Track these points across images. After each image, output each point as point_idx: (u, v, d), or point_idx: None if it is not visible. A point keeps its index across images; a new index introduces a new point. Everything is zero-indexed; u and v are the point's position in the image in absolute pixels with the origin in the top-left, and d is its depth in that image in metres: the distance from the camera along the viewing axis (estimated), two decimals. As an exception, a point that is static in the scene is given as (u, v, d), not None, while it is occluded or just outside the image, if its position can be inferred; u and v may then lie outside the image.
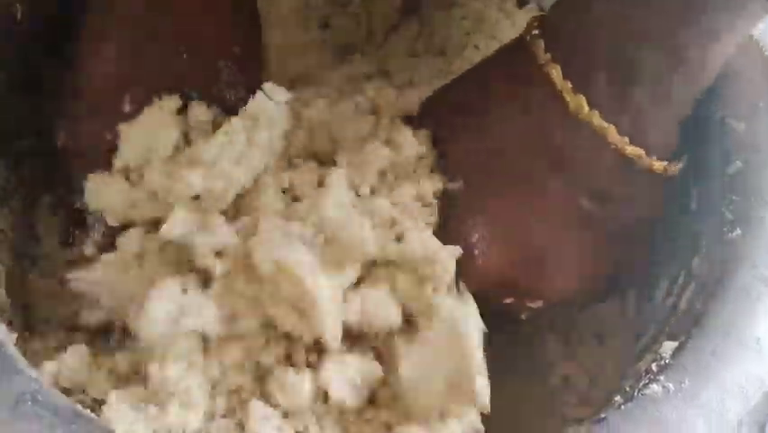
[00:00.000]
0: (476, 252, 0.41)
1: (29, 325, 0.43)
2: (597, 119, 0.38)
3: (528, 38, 0.41)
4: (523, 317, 0.43)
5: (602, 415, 0.34)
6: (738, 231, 0.39)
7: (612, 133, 0.38)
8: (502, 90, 0.41)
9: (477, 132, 0.42)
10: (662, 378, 0.35)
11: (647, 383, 0.35)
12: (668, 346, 0.36)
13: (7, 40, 0.44)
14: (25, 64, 0.45)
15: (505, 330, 0.42)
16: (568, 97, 0.39)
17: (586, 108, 0.38)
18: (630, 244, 0.43)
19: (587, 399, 0.45)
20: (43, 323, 0.43)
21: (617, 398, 0.35)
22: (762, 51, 0.43)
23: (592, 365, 0.47)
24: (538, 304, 0.42)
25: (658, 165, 0.40)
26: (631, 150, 0.39)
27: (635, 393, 0.35)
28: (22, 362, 0.34)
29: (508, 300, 0.42)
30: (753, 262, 0.37)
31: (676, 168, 0.41)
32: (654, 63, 0.38)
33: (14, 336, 0.37)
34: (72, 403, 0.33)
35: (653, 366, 0.36)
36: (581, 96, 0.38)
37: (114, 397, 0.36)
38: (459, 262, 0.40)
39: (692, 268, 0.41)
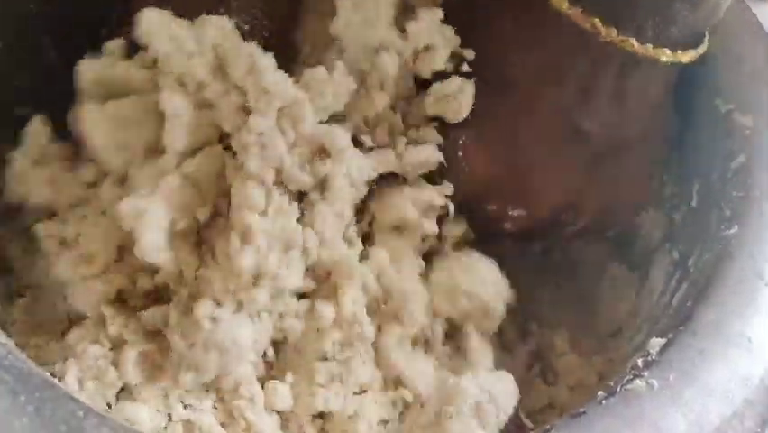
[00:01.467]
0: (463, 153, 0.42)
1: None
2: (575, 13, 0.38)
3: None
4: (508, 226, 0.43)
5: (581, 409, 0.33)
6: (735, 228, 0.38)
7: (598, 24, 0.38)
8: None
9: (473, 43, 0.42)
10: (646, 374, 0.34)
11: (631, 379, 0.34)
12: (655, 343, 0.35)
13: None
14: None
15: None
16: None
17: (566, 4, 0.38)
18: (619, 167, 0.42)
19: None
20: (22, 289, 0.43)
21: (600, 393, 0.34)
22: (769, 41, 0.42)
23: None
24: (521, 213, 0.42)
25: (661, 53, 0.38)
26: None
27: (618, 388, 0.34)
28: (-10, 325, 0.33)
29: (492, 207, 0.42)
30: (749, 256, 0.36)
31: (687, 56, 0.39)
32: None
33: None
34: (41, 372, 0.33)
35: (639, 362, 0.35)
36: None
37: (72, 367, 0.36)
38: (449, 165, 0.42)
39: (688, 265, 0.40)
